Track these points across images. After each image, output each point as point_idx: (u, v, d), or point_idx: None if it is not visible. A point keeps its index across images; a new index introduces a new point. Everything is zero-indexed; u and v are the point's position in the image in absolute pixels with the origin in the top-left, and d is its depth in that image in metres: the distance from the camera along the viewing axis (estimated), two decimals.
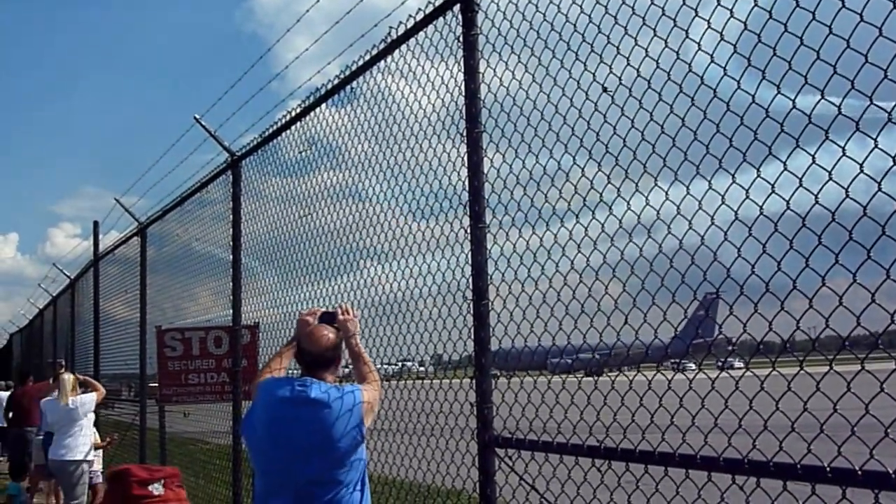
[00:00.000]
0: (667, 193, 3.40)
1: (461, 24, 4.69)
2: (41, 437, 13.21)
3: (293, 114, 7.01)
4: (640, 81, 3.59)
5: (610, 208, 3.77)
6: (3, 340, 43.56)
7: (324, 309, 4.31)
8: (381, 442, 5.54)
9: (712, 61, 3.23)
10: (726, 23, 3.20)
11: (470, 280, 4.49)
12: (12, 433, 15.13)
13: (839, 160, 2.70)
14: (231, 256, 8.49)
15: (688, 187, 3.30)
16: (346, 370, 5.98)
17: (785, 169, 2.87)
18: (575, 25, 3.97)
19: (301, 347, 4.08)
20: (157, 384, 9.96)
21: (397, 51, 5.44)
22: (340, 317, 4.23)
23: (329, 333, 4.04)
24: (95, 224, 15.84)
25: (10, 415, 15.46)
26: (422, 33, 5.13)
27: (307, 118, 6.89)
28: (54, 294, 22.97)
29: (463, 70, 4.66)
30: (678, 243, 3.35)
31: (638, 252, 3.57)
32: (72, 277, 19.34)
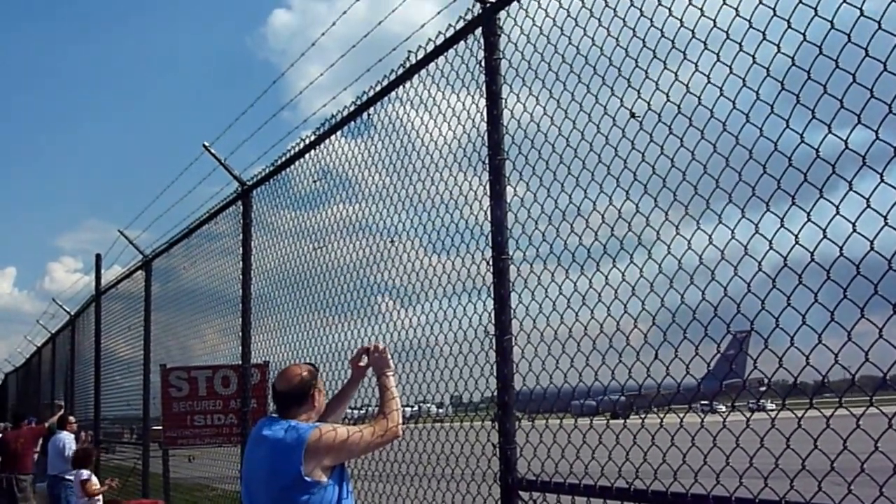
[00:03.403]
0: (698, 223, 3.46)
1: (483, 48, 4.79)
2: (41, 484, 13.30)
3: (306, 142, 7.14)
4: (670, 110, 3.67)
5: (639, 239, 3.83)
6: None
7: (367, 347, 4.48)
8: (399, 487, 5.57)
9: (744, 85, 3.30)
10: (757, 47, 3.28)
11: (492, 315, 4.54)
12: (5, 479, 15.17)
13: (876, 187, 2.76)
14: (241, 291, 8.59)
15: (719, 216, 3.36)
16: (361, 412, 6.04)
17: (821, 196, 2.93)
18: (601, 49, 4.06)
19: (272, 385, 4.28)
20: (160, 427, 10.03)
21: (416, 76, 5.55)
22: (374, 354, 4.39)
23: (300, 372, 4.18)
24: (98, 257, 16.03)
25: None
26: (441, 58, 5.24)
27: (320, 147, 7.02)
28: (53, 331, 23.17)
29: (485, 96, 4.75)
30: (708, 278, 3.40)
31: (667, 287, 3.62)
32: (72, 313, 19.52)
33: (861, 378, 2.82)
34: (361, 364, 4.49)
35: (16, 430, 16.09)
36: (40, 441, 14.56)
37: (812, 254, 2.96)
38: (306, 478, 3.79)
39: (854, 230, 2.81)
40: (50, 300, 21.85)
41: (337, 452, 3.91)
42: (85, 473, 10.95)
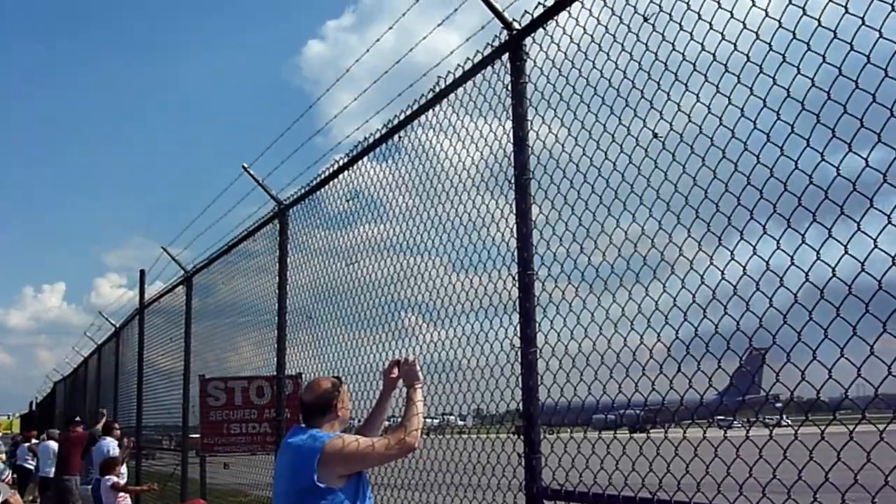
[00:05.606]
0: (720, 240, 3.40)
1: (509, 72, 4.78)
2: (86, 486, 13.39)
3: (341, 163, 7.15)
4: (692, 131, 3.61)
5: (661, 257, 3.77)
6: (48, 389, 44.22)
7: (398, 359, 4.46)
8: (427, 495, 5.51)
9: (765, 106, 3.25)
10: (777, 69, 3.22)
11: (518, 328, 4.50)
12: (54, 481, 15.30)
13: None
14: (276, 304, 8.60)
15: (741, 233, 3.30)
16: (388, 423, 5.99)
17: (841, 214, 2.86)
18: (624, 72, 4.02)
19: (300, 397, 4.36)
20: (198, 435, 10.05)
21: (444, 101, 5.54)
22: (404, 367, 4.36)
23: (324, 384, 4.22)
24: (142, 272, 16.13)
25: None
26: (469, 83, 5.23)
27: (351, 170, 7.04)
28: (99, 342, 23.36)
29: (511, 118, 4.73)
30: (730, 294, 3.33)
31: (689, 303, 3.56)
32: (117, 326, 19.67)
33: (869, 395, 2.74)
34: (392, 375, 4.46)
35: (64, 433, 16.24)
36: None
37: (833, 270, 2.88)
38: (319, 483, 3.83)
39: (875, 246, 2.73)
40: (96, 313, 22.03)
41: (351, 462, 3.93)
42: (113, 478, 11.08)
